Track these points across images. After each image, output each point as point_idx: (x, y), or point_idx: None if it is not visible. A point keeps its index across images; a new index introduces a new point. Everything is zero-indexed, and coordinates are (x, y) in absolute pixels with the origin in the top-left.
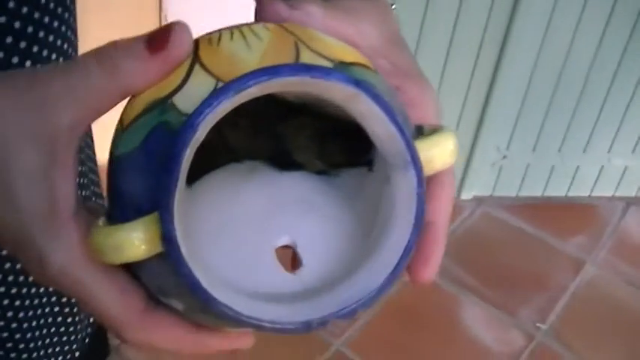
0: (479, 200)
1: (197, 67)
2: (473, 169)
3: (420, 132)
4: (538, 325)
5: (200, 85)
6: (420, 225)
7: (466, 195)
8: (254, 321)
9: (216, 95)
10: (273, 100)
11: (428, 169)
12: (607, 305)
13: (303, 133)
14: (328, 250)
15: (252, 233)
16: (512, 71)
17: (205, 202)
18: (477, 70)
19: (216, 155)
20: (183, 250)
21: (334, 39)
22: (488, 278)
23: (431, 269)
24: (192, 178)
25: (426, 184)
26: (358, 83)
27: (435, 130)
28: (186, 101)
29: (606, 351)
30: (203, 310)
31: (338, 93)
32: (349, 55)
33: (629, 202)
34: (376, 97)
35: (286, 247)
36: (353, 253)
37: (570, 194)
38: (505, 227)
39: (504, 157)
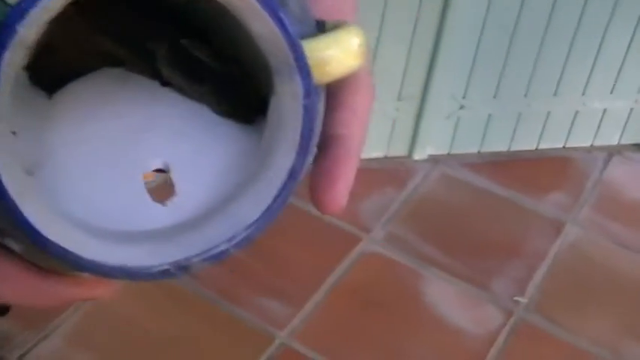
0: (435, 160)
1: None
2: (425, 124)
3: (321, 29)
4: (516, 298)
5: None
6: (309, 144)
7: (420, 155)
8: (97, 266)
9: None
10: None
11: (322, 75)
12: (594, 270)
13: (176, 65)
14: (211, 175)
15: (120, 153)
16: (465, 3)
17: (68, 114)
18: (424, 4)
19: (88, 58)
20: (6, 177)
21: None
22: (453, 249)
23: (338, 194)
24: (58, 84)
25: (337, 90)
26: None
27: (338, 25)
28: None
29: (597, 322)
30: (42, 251)
31: None
32: None
33: (611, 152)
34: None
35: (161, 171)
36: (239, 178)
37: (542, 146)
38: (468, 189)
39: (462, 107)
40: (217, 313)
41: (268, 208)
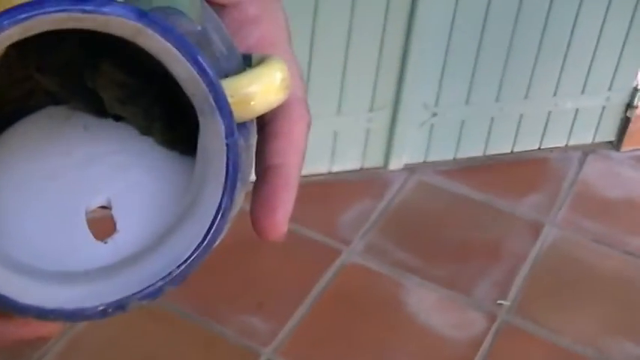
0: (411, 169)
1: None
2: (399, 133)
3: (248, 63)
4: (499, 302)
5: None
6: (235, 182)
7: (395, 164)
8: (33, 309)
9: None
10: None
11: (246, 111)
12: (574, 269)
13: (115, 93)
14: (151, 210)
15: (63, 191)
16: (430, 11)
17: (13, 154)
18: (390, 14)
19: (33, 97)
20: None
21: None
22: (433, 256)
23: (278, 222)
24: (3, 125)
25: (271, 120)
26: (141, 15)
27: (263, 59)
28: None
29: (581, 320)
30: None
31: (121, 29)
32: None
33: (586, 151)
34: (166, 31)
35: (104, 208)
36: (177, 212)
37: (516, 149)
38: (445, 196)
39: (434, 114)
40: (200, 331)
41: (199, 246)
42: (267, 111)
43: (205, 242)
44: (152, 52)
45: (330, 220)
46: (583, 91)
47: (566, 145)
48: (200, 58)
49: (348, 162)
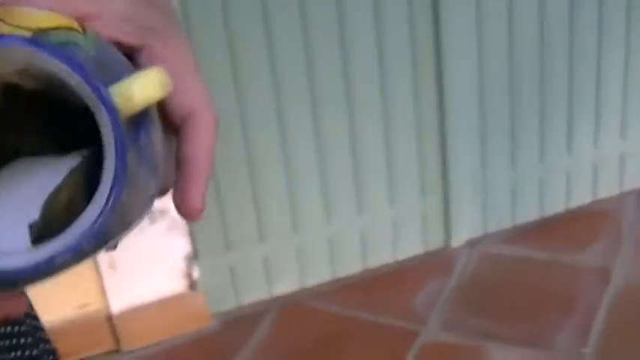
0: (472, 243)
1: None
2: (453, 211)
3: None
4: (583, 350)
5: None
6: (124, 148)
7: (457, 241)
8: None
9: None
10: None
11: (129, 107)
12: None
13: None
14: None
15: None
16: (458, 88)
17: None
18: (420, 100)
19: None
20: None
21: (40, 10)
22: (509, 319)
23: (192, 200)
24: None
25: (183, 127)
26: (30, 41)
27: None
28: None
29: None
30: None
31: (18, 55)
32: (51, 21)
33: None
34: (51, 49)
35: None
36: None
37: (571, 205)
38: (510, 262)
39: (484, 184)
40: None
41: (95, 220)
42: (148, 104)
43: (111, 200)
44: (49, 71)
45: (403, 304)
46: (622, 135)
47: (621, 193)
48: (76, 61)
49: (410, 248)
